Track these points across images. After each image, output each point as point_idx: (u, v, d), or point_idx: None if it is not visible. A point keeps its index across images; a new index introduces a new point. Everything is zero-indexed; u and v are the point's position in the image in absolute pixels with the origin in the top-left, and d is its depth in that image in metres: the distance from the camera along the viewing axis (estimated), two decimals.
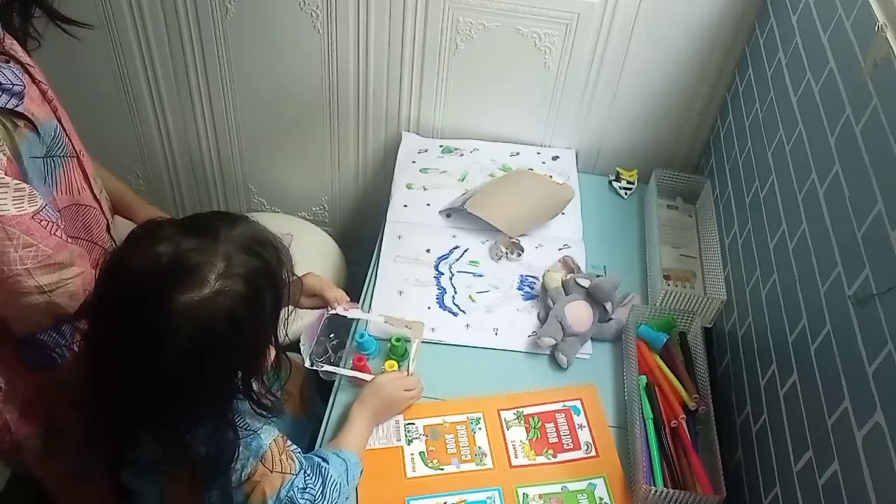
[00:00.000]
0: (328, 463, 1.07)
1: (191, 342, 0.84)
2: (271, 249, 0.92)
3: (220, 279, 0.85)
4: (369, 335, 1.32)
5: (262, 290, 0.89)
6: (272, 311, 0.93)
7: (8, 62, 0.97)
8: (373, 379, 1.23)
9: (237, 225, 0.90)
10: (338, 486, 1.06)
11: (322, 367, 1.28)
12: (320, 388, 1.38)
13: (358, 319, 1.35)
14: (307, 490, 1.01)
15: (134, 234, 0.90)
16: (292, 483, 1.00)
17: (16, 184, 0.92)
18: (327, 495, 1.04)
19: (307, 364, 1.27)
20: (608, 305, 1.36)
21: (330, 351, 1.33)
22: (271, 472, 0.98)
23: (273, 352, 0.97)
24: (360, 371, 1.26)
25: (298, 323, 1.58)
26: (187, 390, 0.88)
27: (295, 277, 0.97)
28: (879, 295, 0.88)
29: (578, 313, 1.35)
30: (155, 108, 1.86)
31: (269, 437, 1.00)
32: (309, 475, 1.03)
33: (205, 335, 0.84)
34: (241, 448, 0.96)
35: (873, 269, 0.90)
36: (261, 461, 0.97)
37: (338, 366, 1.29)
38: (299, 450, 1.05)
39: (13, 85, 0.93)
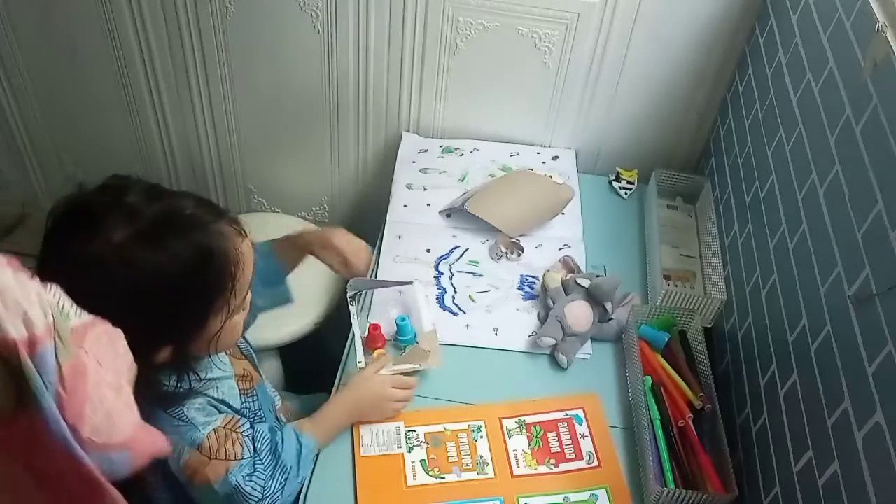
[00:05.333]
0: (283, 445, 1.09)
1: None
2: None
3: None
4: (411, 325, 1.32)
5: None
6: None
7: None
8: (362, 370, 1.23)
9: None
10: (287, 470, 1.08)
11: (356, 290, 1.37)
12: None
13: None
14: (255, 475, 1.03)
15: None
16: (239, 469, 1.01)
17: None
18: (276, 477, 1.06)
19: (349, 288, 1.35)
20: (608, 305, 1.36)
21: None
22: (210, 459, 0.99)
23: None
24: (375, 342, 1.30)
25: (285, 329, 1.62)
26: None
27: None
28: (879, 295, 0.88)
29: (578, 313, 1.35)
30: (155, 108, 1.86)
31: (209, 428, 1.01)
32: (260, 460, 1.05)
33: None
34: (178, 437, 0.98)
35: (873, 269, 0.90)
36: (197, 449, 0.99)
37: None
38: (251, 433, 1.05)
39: None
